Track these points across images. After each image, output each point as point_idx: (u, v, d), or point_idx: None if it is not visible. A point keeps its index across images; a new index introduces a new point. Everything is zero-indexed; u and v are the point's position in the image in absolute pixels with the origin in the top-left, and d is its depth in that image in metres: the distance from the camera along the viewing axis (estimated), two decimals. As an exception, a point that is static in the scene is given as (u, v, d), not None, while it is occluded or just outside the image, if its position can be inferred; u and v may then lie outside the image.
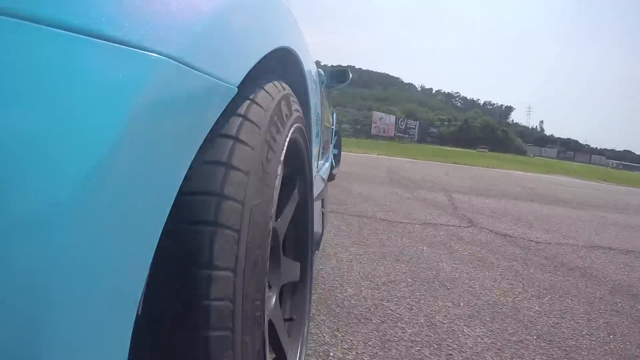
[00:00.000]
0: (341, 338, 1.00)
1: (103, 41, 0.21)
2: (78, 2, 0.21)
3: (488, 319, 1.24)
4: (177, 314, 0.32)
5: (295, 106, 0.61)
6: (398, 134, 42.80)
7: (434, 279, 1.53)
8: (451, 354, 1.00)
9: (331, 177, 3.43)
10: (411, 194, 3.63)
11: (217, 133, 0.36)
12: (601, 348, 1.15)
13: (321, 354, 0.92)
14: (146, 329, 0.31)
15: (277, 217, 0.60)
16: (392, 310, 1.21)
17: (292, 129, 0.56)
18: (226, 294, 0.33)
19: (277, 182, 0.45)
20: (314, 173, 1.11)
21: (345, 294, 1.28)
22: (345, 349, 0.96)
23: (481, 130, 54.61)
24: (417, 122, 48.60)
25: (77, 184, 0.19)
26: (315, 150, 1.14)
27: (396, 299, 1.29)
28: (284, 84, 0.56)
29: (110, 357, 0.23)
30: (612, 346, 1.17)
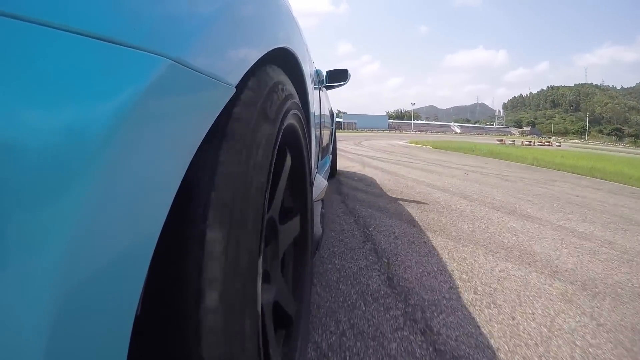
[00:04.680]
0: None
1: (101, 41, 0.21)
2: (76, 3, 0.21)
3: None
4: (174, 314, 0.32)
5: (291, 92, 0.61)
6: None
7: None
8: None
9: (332, 173, 3.43)
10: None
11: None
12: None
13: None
14: (146, 329, 0.31)
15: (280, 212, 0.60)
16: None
17: (288, 115, 0.56)
18: (220, 292, 0.33)
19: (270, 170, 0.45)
20: (314, 173, 1.11)
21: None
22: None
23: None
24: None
25: (75, 183, 0.19)
26: (314, 148, 1.14)
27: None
28: (278, 70, 0.56)
29: (110, 357, 0.23)
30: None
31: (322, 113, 1.64)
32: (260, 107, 0.45)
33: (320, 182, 1.29)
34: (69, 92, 0.20)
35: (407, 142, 14.09)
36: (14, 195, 0.17)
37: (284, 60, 0.69)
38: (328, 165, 2.37)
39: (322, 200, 1.25)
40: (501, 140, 21.64)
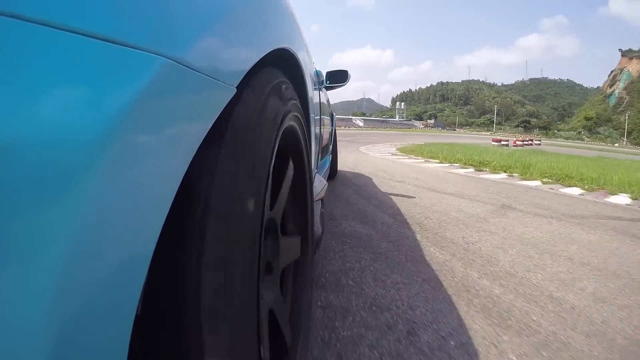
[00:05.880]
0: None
1: (102, 42, 0.21)
2: (77, 3, 0.21)
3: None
4: (174, 312, 0.32)
5: (291, 94, 0.61)
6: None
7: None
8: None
9: (332, 174, 3.43)
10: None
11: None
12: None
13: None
14: (146, 329, 0.31)
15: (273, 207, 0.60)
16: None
17: (288, 116, 0.56)
18: (219, 292, 0.33)
19: (270, 169, 0.45)
20: (314, 173, 1.11)
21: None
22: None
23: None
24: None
25: (75, 184, 0.19)
26: (314, 149, 1.14)
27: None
28: (278, 72, 0.57)
29: (110, 357, 0.23)
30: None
31: (321, 113, 1.64)
32: (260, 108, 0.45)
33: (319, 182, 1.29)
34: (69, 92, 0.20)
35: (398, 150, 8.53)
36: (14, 196, 0.17)
37: (285, 61, 0.69)
38: (328, 165, 2.37)
39: (322, 200, 1.25)
40: (498, 140, 17.03)
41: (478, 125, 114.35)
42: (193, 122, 0.31)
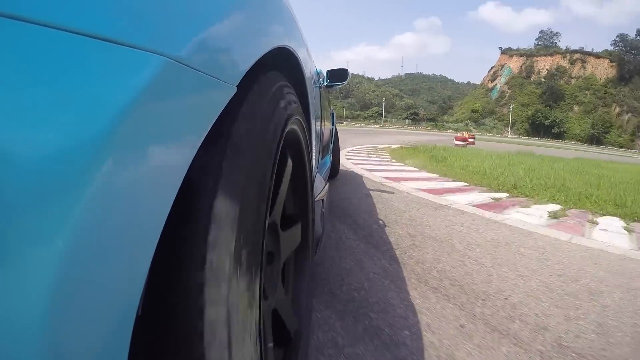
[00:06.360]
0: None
1: (101, 41, 0.21)
2: (76, 3, 0.21)
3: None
4: (175, 313, 0.32)
5: (292, 97, 0.61)
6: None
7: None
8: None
9: (333, 174, 3.43)
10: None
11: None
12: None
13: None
14: (146, 329, 0.31)
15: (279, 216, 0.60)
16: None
17: (290, 120, 0.56)
18: (222, 294, 0.33)
19: (272, 176, 0.45)
20: (314, 173, 1.11)
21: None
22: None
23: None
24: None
25: (76, 184, 0.19)
26: (315, 149, 1.14)
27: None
28: (280, 75, 0.57)
29: (111, 357, 0.23)
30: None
31: (322, 112, 1.64)
32: (263, 112, 0.45)
33: (320, 182, 1.29)
34: (69, 92, 0.20)
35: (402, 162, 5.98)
36: (14, 196, 0.17)
37: (285, 61, 0.69)
38: (328, 165, 2.37)
39: (323, 200, 1.25)
40: (464, 139, 14.24)
41: (365, 118, 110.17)
42: (193, 121, 0.31)
